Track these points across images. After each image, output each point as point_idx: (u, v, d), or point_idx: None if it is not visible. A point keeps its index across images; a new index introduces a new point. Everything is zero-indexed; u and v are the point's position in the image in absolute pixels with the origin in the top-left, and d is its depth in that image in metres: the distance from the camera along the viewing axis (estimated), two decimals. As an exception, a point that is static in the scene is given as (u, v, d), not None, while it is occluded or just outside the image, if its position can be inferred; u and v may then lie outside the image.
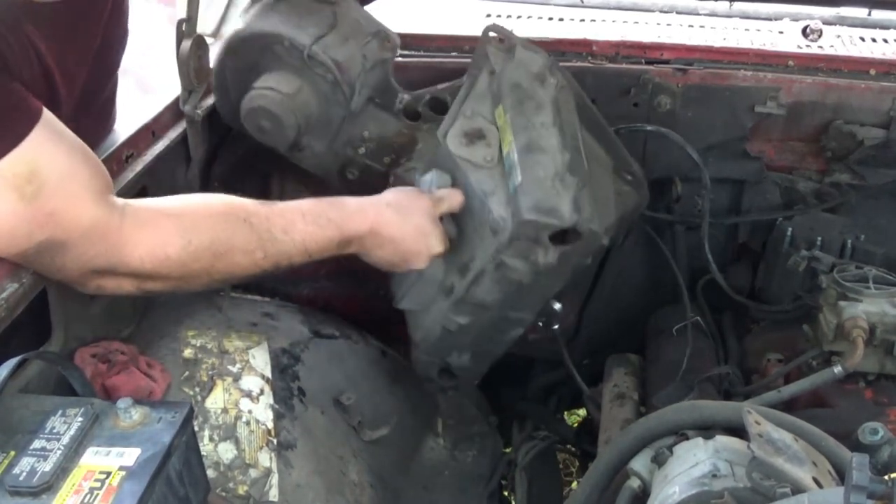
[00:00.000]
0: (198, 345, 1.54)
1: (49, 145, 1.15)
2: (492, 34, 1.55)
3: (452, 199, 1.49)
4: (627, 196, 1.68)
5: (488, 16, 2.18)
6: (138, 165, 1.54)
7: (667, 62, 1.92)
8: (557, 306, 1.68)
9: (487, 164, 1.46)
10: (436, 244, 1.47)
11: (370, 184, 1.67)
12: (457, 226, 1.52)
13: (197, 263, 1.26)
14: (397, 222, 1.43)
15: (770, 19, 2.18)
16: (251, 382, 1.52)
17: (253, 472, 1.41)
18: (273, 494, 1.40)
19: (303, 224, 1.35)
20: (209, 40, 1.72)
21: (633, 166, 1.69)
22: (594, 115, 1.65)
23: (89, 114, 1.55)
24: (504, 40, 1.55)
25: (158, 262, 1.23)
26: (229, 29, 1.75)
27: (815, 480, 1.11)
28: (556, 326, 1.77)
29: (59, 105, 1.37)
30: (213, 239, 1.26)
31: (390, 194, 1.49)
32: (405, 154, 1.75)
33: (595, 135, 1.63)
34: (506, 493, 2.04)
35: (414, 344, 1.68)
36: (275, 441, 1.47)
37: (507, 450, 2.10)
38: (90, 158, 1.21)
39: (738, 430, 1.26)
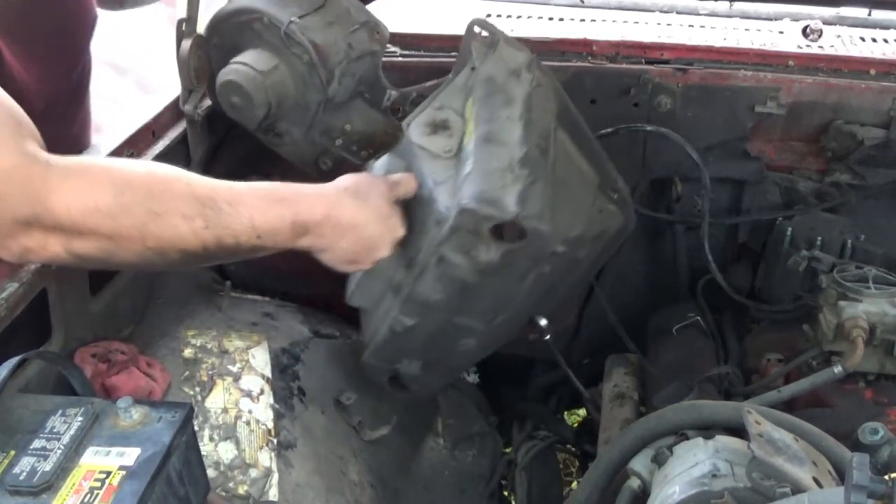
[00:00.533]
0: (198, 344, 1.54)
1: None
2: (476, 29, 1.51)
3: (408, 183, 1.42)
4: (610, 216, 1.57)
5: (488, 16, 2.18)
6: (138, 165, 1.55)
7: (667, 62, 1.92)
8: (544, 322, 1.62)
9: (445, 154, 1.40)
10: (397, 226, 1.40)
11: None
12: (407, 219, 1.43)
13: (128, 219, 1.14)
14: (356, 206, 1.34)
15: (770, 19, 2.18)
16: (251, 382, 1.52)
17: (253, 472, 1.41)
18: (273, 494, 1.40)
19: (251, 198, 1.25)
20: (209, 40, 1.73)
21: (618, 184, 1.59)
22: (581, 127, 1.58)
23: (58, 96, 1.54)
24: (488, 35, 1.50)
25: (87, 212, 1.12)
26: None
27: (815, 480, 1.11)
28: (547, 337, 1.71)
29: (2, 65, 1.39)
30: (148, 194, 1.16)
31: (346, 179, 1.40)
32: (385, 150, 1.73)
33: (581, 148, 1.56)
34: (506, 493, 2.04)
35: (364, 346, 1.62)
36: (275, 441, 1.47)
37: (507, 450, 2.10)
38: (17, 113, 1.13)
39: (738, 430, 1.26)
